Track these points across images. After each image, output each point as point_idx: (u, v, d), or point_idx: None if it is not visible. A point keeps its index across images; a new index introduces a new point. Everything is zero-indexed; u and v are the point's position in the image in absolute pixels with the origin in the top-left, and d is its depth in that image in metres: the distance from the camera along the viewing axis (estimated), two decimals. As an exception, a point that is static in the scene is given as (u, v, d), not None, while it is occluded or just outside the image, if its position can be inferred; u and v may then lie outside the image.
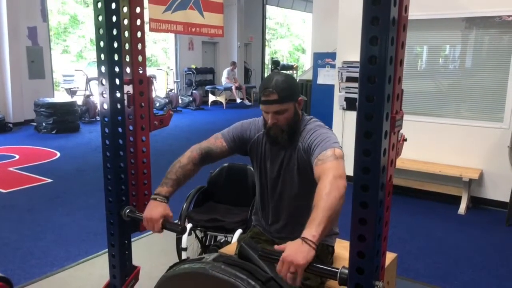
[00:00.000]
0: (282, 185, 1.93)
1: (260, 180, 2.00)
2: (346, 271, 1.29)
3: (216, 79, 15.08)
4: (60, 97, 11.45)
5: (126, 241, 1.93)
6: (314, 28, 8.59)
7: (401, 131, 1.41)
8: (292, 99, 1.81)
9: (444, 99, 5.06)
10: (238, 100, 13.83)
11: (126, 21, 1.77)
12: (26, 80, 9.78)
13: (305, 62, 25.10)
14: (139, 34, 1.80)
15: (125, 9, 1.76)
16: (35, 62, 9.89)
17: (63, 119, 9.08)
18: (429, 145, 4.93)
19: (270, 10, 19.68)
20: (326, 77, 5.46)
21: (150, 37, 16.81)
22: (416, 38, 5.04)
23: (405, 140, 1.45)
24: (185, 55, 14.19)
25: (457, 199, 4.69)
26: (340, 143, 1.77)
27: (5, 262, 3.30)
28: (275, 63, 18.86)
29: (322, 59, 5.67)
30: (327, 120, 5.35)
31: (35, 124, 9.29)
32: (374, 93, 1.14)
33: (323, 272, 1.38)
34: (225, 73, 13.99)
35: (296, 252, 1.36)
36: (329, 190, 1.49)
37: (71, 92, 11.50)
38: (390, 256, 2.08)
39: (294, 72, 20.13)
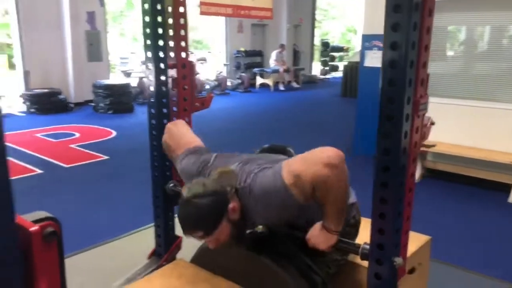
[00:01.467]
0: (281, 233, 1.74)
1: None
2: (368, 246, 1.36)
3: (264, 62, 15.12)
4: (115, 79, 11.99)
5: (170, 213, 2.09)
6: (366, 9, 8.37)
7: (429, 115, 1.44)
8: (220, 220, 1.47)
9: (498, 82, 4.84)
10: (282, 88, 13.77)
11: (170, 9, 1.89)
12: (85, 62, 10.33)
13: (357, 44, 24.47)
14: (182, 20, 1.92)
15: (169, -3, 1.89)
16: (93, 46, 10.41)
17: (118, 100, 9.55)
18: (479, 130, 4.76)
19: (322, -10, 19.28)
20: (373, 59, 5.36)
21: (202, 21, 17.05)
22: (476, 18, 4.84)
23: (433, 123, 1.47)
24: (234, 38, 14.32)
25: (508, 187, 4.52)
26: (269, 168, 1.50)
27: (65, 230, 3.57)
28: (325, 45, 18.55)
29: (370, 41, 5.57)
30: (373, 102, 5.27)
31: (93, 104, 9.84)
32: (395, 78, 1.19)
33: (347, 248, 1.46)
34: (273, 56, 13.99)
35: (317, 237, 1.47)
36: (332, 194, 1.39)
37: (126, 74, 12.01)
38: (423, 239, 2.11)
39: (345, 53, 19.68)
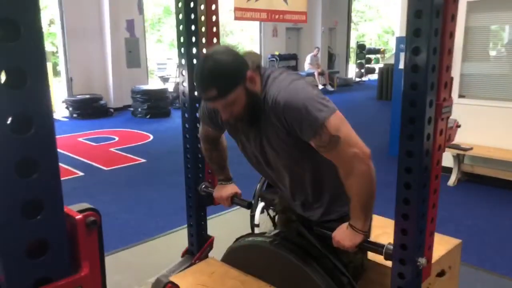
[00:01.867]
0: (270, 157, 1.63)
1: (246, 155, 1.75)
2: (391, 247, 1.39)
3: (299, 65, 15.14)
4: (153, 84, 12.37)
5: (202, 213, 2.18)
6: (402, 11, 8.26)
7: (454, 117, 1.46)
8: (237, 84, 1.42)
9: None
10: (320, 87, 13.79)
11: (203, 18, 1.98)
12: (124, 69, 10.72)
13: (394, 45, 24.04)
14: (214, 29, 2.01)
15: (202, 7, 1.98)
16: (132, 52, 10.79)
17: (156, 105, 9.84)
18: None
19: (357, -8, 19.12)
20: (408, 62, 5.33)
21: (237, 26, 17.31)
22: None
23: (459, 126, 1.48)
24: (269, 42, 14.44)
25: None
26: (321, 99, 1.44)
27: (105, 230, 3.76)
28: (360, 47, 18.35)
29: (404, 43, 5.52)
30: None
31: (132, 109, 10.19)
32: (417, 82, 1.22)
33: (371, 248, 1.49)
34: (308, 59, 13.99)
35: (342, 235, 1.50)
36: (355, 187, 1.44)
37: (164, 79, 12.36)
38: (453, 242, 2.09)
39: (382, 56, 19.40)
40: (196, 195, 2.12)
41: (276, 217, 2.61)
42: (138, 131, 8.37)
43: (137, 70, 10.98)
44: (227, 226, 3.70)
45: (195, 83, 1.48)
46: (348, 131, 1.43)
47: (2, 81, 0.48)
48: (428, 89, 1.22)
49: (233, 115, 1.48)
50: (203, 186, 2.10)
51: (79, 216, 0.56)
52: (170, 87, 11.32)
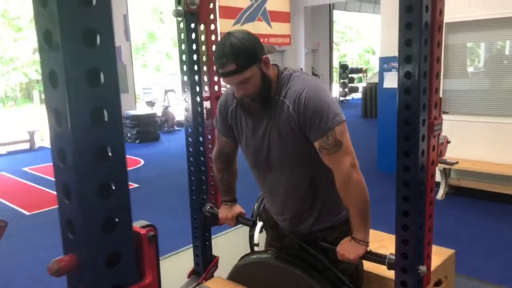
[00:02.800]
0: (273, 153, 1.67)
1: (248, 151, 1.78)
2: (393, 257, 1.49)
3: (284, 86, 15.32)
4: (141, 109, 12.43)
5: (207, 233, 2.26)
6: (383, 31, 8.55)
7: (444, 134, 1.59)
8: (254, 62, 1.53)
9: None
10: None
11: (204, 48, 2.10)
12: (113, 95, 10.77)
13: (376, 64, 24.59)
14: (214, 57, 2.13)
15: (202, 38, 2.10)
16: (120, 79, 10.87)
17: (145, 129, 9.92)
18: (501, 146, 4.81)
19: (338, 13, 19.66)
20: (392, 81, 5.52)
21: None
22: (497, 35, 4.97)
23: (449, 142, 1.61)
24: (254, 65, 14.64)
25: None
26: (337, 106, 1.60)
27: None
28: (343, 67, 18.77)
29: (388, 63, 5.73)
30: (394, 122, 5.38)
31: (121, 134, 10.21)
32: (410, 103, 1.35)
33: (374, 258, 1.59)
34: (293, 80, 14.20)
35: (346, 248, 1.60)
36: (351, 196, 1.55)
37: (151, 104, 12.45)
38: (447, 252, 2.19)
39: (364, 75, 19.84)
40: (200, 216, 2.20)
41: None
42: (129, 156, 8.39)
43: (125, 96, 11.04)
44: (228, 246, 3.75)
45: (215, 58, 1.55)
46: (349, 141, 1.58)
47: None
48: (421, 109, 1.35)
49: (247, 93, 1.58)
50: (208, 207, 2.18)
51: (143, 231, 0.66)
52: (157, 111, 11.40)
